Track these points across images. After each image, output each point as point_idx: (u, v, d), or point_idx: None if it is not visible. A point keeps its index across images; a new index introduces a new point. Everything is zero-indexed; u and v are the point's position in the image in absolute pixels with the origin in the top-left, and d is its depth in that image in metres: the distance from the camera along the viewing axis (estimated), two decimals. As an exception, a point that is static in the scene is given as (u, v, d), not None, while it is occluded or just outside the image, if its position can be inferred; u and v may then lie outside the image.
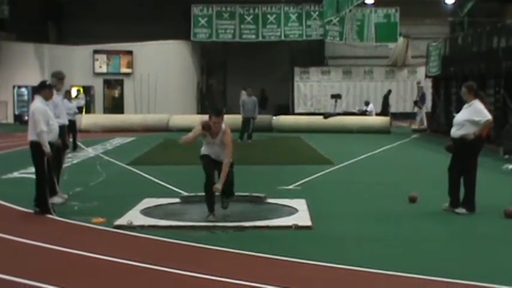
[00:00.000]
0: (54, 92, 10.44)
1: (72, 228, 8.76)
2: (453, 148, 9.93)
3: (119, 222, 8.73)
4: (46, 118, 9.56)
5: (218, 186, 8.99)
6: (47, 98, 9.90)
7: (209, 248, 7.50)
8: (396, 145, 21.91)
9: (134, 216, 9.07)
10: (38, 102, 9.70)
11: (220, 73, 39.65)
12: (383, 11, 35.80)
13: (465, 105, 9.92)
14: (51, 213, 9.37)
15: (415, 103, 31.89)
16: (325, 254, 7.25)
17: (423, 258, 7.18)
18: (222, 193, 9.44)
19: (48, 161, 9.48)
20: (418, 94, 33.07)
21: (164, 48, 35.51)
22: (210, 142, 9.26)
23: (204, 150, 9.38)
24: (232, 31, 35.85)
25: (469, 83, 10.21)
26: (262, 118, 25.94)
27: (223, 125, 9.24)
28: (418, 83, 33.89)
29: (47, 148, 9.42)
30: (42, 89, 9.90)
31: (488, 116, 9.63)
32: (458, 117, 9.85)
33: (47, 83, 10.20)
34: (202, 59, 38.57)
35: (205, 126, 9.13)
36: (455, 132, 9.77)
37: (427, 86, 31.83)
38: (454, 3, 33.59)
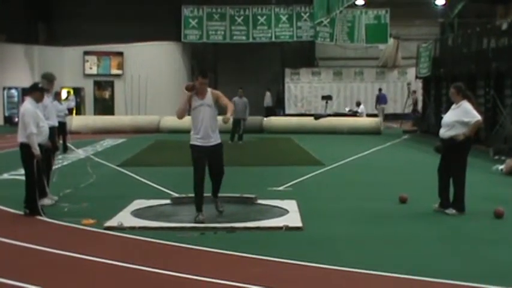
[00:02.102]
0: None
1: (62, 229, 8.73)
2: (442, 149, 9.96)
3: (109, 223, 8.70)
4: (36, 120, 9.53)
5: (228, 115, 8.98)
6: (38, 100, 9.86)
7: (200, 249, 7.49)
8: (387, 146, 21.97)
9: (124, 218, 9.05)
10: (28, 104, 9.67)
11: (211, 75, 39.60)
12: (373, 12, 35.88)
13: (453, 106, 9.94)
14: (40, 215, 9.34)
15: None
16: (316, 254, 7.25)
17: (413, 259, 7.20)
18: (214, 195, 9.50)
19: (37, 163, 9.45)
20: (408, 95, 33.39)
21: (155, 50, 35.49)
22: (200, 105, 9.00)
23: (195, 133, 9.11)
24: (222, 32, 35.84)
25: (458, 83, 10.22)
26: (252, 119, 25.95)
27: (209, 89, 9.18)
28: (409, 84, 34.05)
29: (36, 150, 9.39)
30: (34, 91, 9.86)
31: (477, 116, 9.65)
32: (447, 118, 9.86)
33: (39, 85, 10.14)
34: (193, 60, 38.53)
35: (189, 86, 9.07)
36: (444, 133, 9.78)
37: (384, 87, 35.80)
38: (444, 5, 33.73)
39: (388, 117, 34.51)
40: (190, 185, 9.15)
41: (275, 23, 35.76)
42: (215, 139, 9.15)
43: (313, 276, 6.58)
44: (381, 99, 34.21)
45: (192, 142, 9.12)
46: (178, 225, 8.67)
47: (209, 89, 9.18)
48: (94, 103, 36.24)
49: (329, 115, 30.70)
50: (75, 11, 37.02)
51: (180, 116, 9.22)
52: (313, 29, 35.42)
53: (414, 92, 34.54)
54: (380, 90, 34.97)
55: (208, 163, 9.17)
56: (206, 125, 9.03)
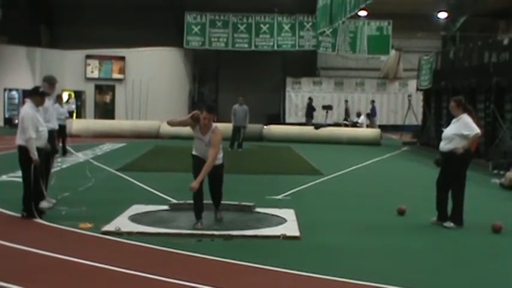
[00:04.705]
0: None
1: (59, 233, 8.72)
2: (442, 162, 9.97)
3: (106, 228, 8.69)
4: (35, 124, 9.50)
5: (193, 184, 8.83)
6: (38, 104, 9.83)
7: (197, 256, 7.48)
8: (386, 157, 21.96)
9: (122, 223, 9.04)
10: (28, 108, 9.63)
11: (212, 81, 39.65)
12: (376, 24, 35.99)
13: (453, 120, 9.97)
14: (35, 217, 9.33)
15: (368, 115, 33.77)
16: (313, 264, 7.24)
17: (410, 272, 7.19)
18: (214, 205, 9.52)
19: (35, 166, 9.43)
20: (409, 107, 33.45)
21: (157, 55, 35.54)
22: (199, 138, 9.16)
23: (194, 149, 9.32)
24: (225, 39, 35.93)
25: (458, 97, 10.26)
26: (252, 127, 25.95)
27: (213, 125, 9.18)
28: (409, 96, 34.10)
29: (34, 155, 9.35)
30: (35, 96, 9.83)
31: (476, 129, 9.67)
32: (447, 131, 9.90)
33: (40, 89, 10.10)
34: (195, 67, 38.60)
35: (194, 115, 9.07)
36: (444, 146, 9.81)
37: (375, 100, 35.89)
38: (446, 18, 33.82)
39: (387, 129, 34.55)
40: (188, 191, 9.13)
41: (278, 31, 35.85)
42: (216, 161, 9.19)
43: (309, 286, 6.57)
44: (374, 111, 34.21)
45: (194, 152, 9.32)
46: (176, 232, 8.67)
47: (213, 128, 9.12)
48: (95, 107, 36.27)
49: (329, 125, 30.71)
50: (78, 15, 37.03)
51: (171, 125, 9.70)
52: (315, 38, 35.52)
53: (346, 101, 35.25)
54: (373, 102, 34.98)
55: (208, 180, 9.28)
56: (203, 154, 9.11)
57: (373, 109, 34.39)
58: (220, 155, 9.36)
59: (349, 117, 34.44)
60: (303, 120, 35.91)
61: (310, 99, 34.92)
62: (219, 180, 9.46)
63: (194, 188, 8.84)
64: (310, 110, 34.27)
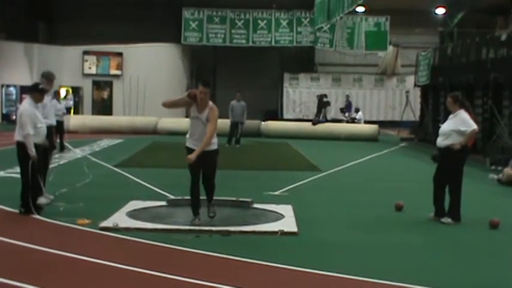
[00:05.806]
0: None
1: (57, 229, 8.72)
2: (439, 158, 9.98)
3: (104, 224, 8.69)
4: (34, 121, 9.49)
5: (190, 155, 8.75)
6: (37, 101, 9.81)
7: (194, 252, 7.49)
8: (384, 153, 21.99)
9: (120, 219, 9.04)
10: (26, 105, 9.63)
11: (210, 77, 39.57)
12: (373, 20, 35.93)
13: (450, 116, 9.99)
14: (33, 213, 9.33)
15: (341, 110, 33.27)
16: (311, 260, 7.25)
17: (407, 267, 7.20)
18: (207, 199, 9.42)
19: (33, 163, 9.43)
20: (406, 103, 33.40)
21: (154, 51, 35.47)
22: (196, 117, 8.96)
23: (188, 136, 9.10)
24: (222, 35, 35.88)
25: (455, 93, 10.29)
26: (250, 123, 25.94)
27: (210, 102, 9.08)
28: (407, 92, 34.10)
29: (32, 152, 9.35)
30: (34, 92, 9.82)
31: (473, 125, 9.69)
32: (444, 127, 9.91)
33: (40, 86, 10.08)
34: (192, 62, 38.54)
35: (191, 93, 9.00)
36: (441, 142, 9.82)
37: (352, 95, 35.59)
38: (444, 14, 33.84)
39: (385, 125, 34.51)
40: (186, 187, 9.14)
41: (275, 27, 35.82)
42: (209, 146, 9.00)
43: (306, 282, 6.58)
44: (350, 106, 33.89)
45: (187, 144, 9.13)
46: (174, 227, 8.68)
47: (210, 105, 9.02)
48: (92, 103, 36.21)
49: (327, 121, 30.71)
50: (76, 11, 36.96)
51: (166, 106, 9.64)
52: (313, 34, 35.47)
53: (326, 96, 34.42)
54: (348, 97, 34.71)
55: (202, 167, 9.08)
56: (200, 136, 8.95)
57: (349, 104, 34.02)
58: (215, 140, 9.14)
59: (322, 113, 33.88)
60: (301, 116, 35.90)
61: (322, 95, 33.19)
62: (212, 166, 9.14)
63: (191, 159, 8.74)
64: (320, 106, 33.54)
